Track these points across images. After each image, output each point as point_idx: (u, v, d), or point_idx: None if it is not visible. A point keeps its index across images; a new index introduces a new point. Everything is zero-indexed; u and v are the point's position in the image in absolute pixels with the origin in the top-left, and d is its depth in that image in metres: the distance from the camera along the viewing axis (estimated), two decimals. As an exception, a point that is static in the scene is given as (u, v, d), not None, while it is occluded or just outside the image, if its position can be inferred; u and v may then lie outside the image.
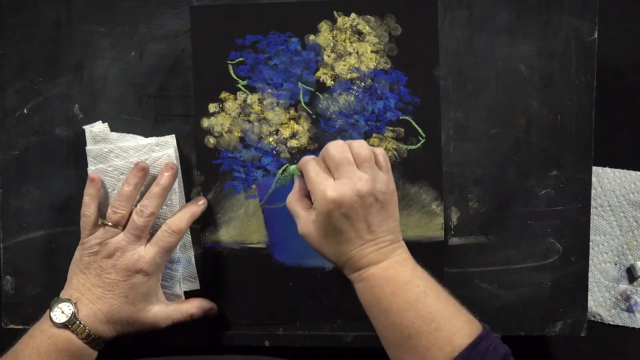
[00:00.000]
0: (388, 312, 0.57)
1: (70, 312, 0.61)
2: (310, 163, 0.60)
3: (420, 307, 0.56)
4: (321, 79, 0.68)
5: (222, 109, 0.69)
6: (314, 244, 0.60)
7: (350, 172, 0.58)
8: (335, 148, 0.59)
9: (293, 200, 0.62)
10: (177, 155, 0.69)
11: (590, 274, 0.71)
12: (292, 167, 0.64)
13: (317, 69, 0.68)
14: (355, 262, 0.58)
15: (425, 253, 0.68)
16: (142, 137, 0.69)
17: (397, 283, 0.57)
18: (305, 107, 0.69)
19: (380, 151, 0.60)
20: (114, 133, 0.68)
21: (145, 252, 0.64)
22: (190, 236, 0.70)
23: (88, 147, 0.68)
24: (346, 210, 0.57)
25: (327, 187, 0.57)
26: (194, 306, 0.67)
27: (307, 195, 0.62)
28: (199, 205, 0.68)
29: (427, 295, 0.56)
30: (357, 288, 0.59)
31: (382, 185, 0.58)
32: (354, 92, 0.68)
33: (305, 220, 0.60)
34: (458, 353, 0.54)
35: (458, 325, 0.55)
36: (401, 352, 0.57)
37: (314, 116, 0.69)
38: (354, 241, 0.58)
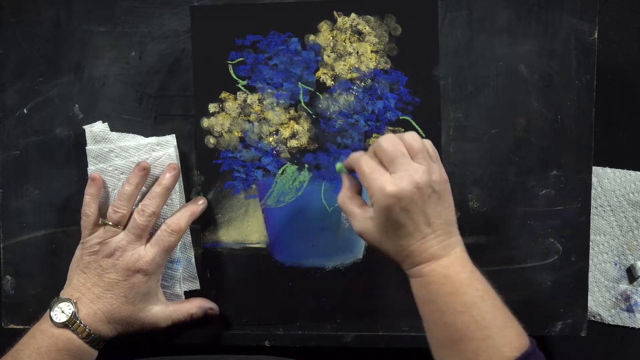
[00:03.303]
0: (443, 312, 0.56)
1: (71, 311, 0.61)
2: (363, 159, 0.58)
3: (476, 312, 0.55)
4: (321, 79, 0.68)
5: (222, 109, 0.69)
6: (373, 240, 0.58)
7: (406, 164, 0.56)
8: (389, 141, 0.57)
9: (346, 199, 0.60)
10: (178, 154, 0.69)
11: (590, 274, 0.71)
12: (339, 164, 0.63)
13: (317, 69, 0.68)
14: (416, 256, 0.57)
15: (425, 253, 0.68)
16: (143, 137, 0.69)
17: (457, 284, 0.56)
18: (305, 107, 0.69)
19: (429, 142, 0.59)
20: (114, 133, 0.68)
21: (146, 252, 0.64)
22: (190, 236, 0.70)
23: (88, 147, 0.68)
24: (406, 203, 0.55)
25: (385, 182, 0.56)
26: (194, 306, 0.67)
27: (358, 193, 0.61)
28: (199, 204, 0.68)
29: (484, 300, 0.55)
30: (414, 282, 0.58)
31: (437, 175, 0.57)
32: (354, 92, 0.68)
33: (363, 218, 0.58)
34: None
35: (509, 336, 0.55)
36: (448, 353, 0.56)
37: (314, 116, 0.69)
38: (414, 235, 0.56)
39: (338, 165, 0.63)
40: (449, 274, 0.56)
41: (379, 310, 0.69)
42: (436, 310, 0.56)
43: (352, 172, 0.61)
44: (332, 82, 0.68)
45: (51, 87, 0.70)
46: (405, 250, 0.57)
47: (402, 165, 0.56)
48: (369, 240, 0.59)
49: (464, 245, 0.59)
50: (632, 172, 0.72)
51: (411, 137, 0.58)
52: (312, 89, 0.68)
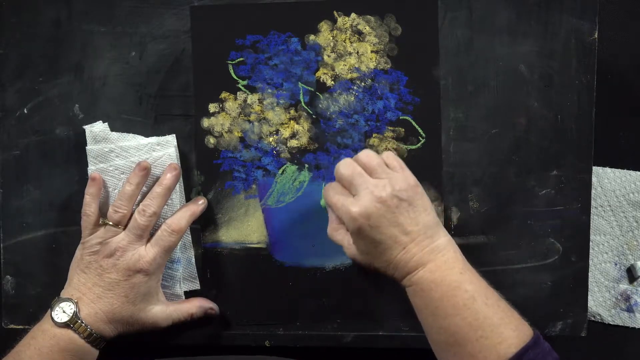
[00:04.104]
0: (435, 316, 0.57)
1: (72, 311, 0.61)
2: (328, 191, 0.61)
3: (468, 313, 0.55)
4: (321, 79, 0.68)
5: (222, 109, 0.69)
6: (364, 263, 0.60)
7: (364, 183, 0.58)
8: (344, 166, 0.59)
9: (332, 231, 0.62)
10: (178, 154, 0.69)
11: (590, 274, 0.71)
12: (322, 201, 0.65)
13: (317, 69, 0.68)
14: (402, 267, 0.58)
15: (425, 253, 0.68)
16: (143, 137, 0.69)
17: (445, 287, 0.56)
18: (305, 107, 0.69)
19: (387, 154, 0.60)
20: (114, 133, 0.68)
21: (146, 252, 0.64)
22: (190, 236, 0.70)
23: (88, 147, 0.68)
24: (374, 220, 0.57)
25: (349, 205, 0.57)
26: (194, 306, 0.68)
27: (343, 223, 0.62)
28: (199, 204, 0.68)
29: (474, 300, 0.56)
30: (408, 291, 0.59)
31: (401, 184, 0.58)
32: (354, 92, 0.68)
33: (348, 246, 0.60)
34: None
35: (505, 333, 0.55)
36: (447, 357, 0.57)
37: (314, 116, 0.69)
38: (394, 247, 0.57)
39: (322, 202, 0.65)
40: (436, 279, 0.57)
41: (379, 310, 0.69)
42: (429, 315, 0.57)
43: None
44: (332, 82, 0.68)
45: (51, 87, 0.70)
46: (391, 263, 0.58)
47: (361, 185, 0.58)
48: (361, 263, 0.60)
49: (455, 245, 0.59)
50: (632, 172, 0.72)
51: (365, 155, 0.60)
52: (312, 89, 0.68)
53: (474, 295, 0.56)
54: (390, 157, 0.60)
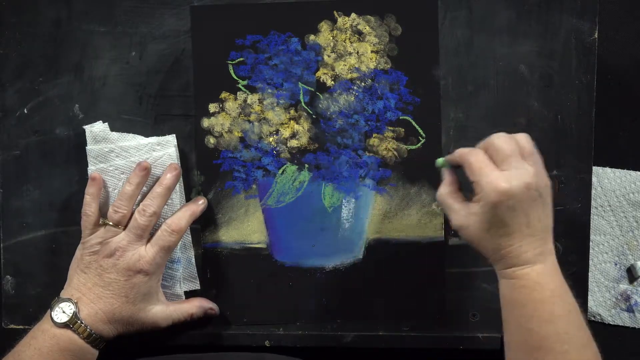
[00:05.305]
0: (529, 317, 0.56)
1: (72, 311, 0.61)
2: (473, 154, 0.58)
3: (562, 325, 0.55)
4: (321, 79, 0.68)
5: (222, 109, 0.69)
6: (472, 236, 0.58)
7: (519, 164, 0.56)
8: (505, 141, 0.57)
9: (445, 194, 0.61)
10: (178, 154, 0.69)
11: (590, 274, 0.71)
12: (440, 160, 0.63)
13: (317, 69, 0.68)
14: (512, 258, 0.57)
15: (425, 253, 0.68)
16: (143, 137, 0.69)
17: (548, 293, 0.56)
18: (305, 107, 0.69)
19: (527, 144, 0.59)
20: (114, 133, 0.68)
21: (146, 252, 0.64)
22: (190, 236, 0.70)
23: (88, 147, 0.68)
24: (514, 202, 0.55)
25: (498, 178, 0.56)
26: (194, 306, 0.68)
27: (459, 189, 0.61)
28: (199, 204, 0.68)
29: (570, 314, 0.56)
30: (505, 284, 0.58)
31: (544, 180, 0.57)
32: (354, 92, 0.68)
33: (465, 214, 0.58)
34: None
35: (587, 356, 0.55)
36: (522, 358, 0.56)
37: (314, 116, 0.69)
38: (514, 235, 0.56)
39: (440, 161, 0.63)
40: (542, 282, 0.56)
41: (379, 310, 0.69)
42: (522, 315, 0.56)
43: (454, 168, 0.61)
44: (332, 82, 0.68)
45: (51, 87, 0.70)
46: (502, 249, 0.57)
47: (515, 164, 0.56)
48: (467, 236, 0.59)
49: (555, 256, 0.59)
50: (632, 172, 0.72)
51: (524, 138, 0.58)
52: (312, 89, 0.68)
53: (572, 310, 0.56)
54: (538, 151, 0.59)
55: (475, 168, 0.57)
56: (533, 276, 0.56)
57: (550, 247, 0.58)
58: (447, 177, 0.62)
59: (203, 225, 0.70)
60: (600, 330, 0.73)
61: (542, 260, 0.57)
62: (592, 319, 0.73)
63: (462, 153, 0.59)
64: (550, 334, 0.55)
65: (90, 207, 0.64)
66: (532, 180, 0.56)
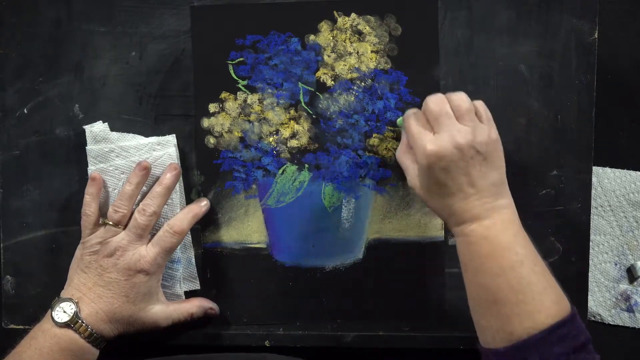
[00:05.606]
0: (479, 273, 0.57)
1: (72, 311, 0.61)
2: (411, 117, 0.60)
3: (512, 276, 0.55)
4: (321, 79, 0.68)
5: (222, 109, 0.69)
6: (421, 196, 0.61)
7: (449, 125, 0.57)
8: (435, 101, 0.58)
9: (402, 153, 0.63)
10: (178, 154, 0.69)
11: (590, 274, 0.71)
12: (399, 119, 0.65)
13: (317, 69, 0.68)
14: (458, 215, 0.58)
15: (425, 253, 0.68)
16: (143, 137, 0.69)
17: (495, 246, 0.56)
18: (305, 107, 0.69)
19: (479, 103, 0.60)
20: (114, 133, 0.68)
21: (147, 252, 0.64)
22: (190, 236, 0.70)
23: (88, 147, 0.68)
24: (446, 163, 0.56)
25: (427, 141, 0.57)
26: (194, 306, 0.68)
27: None
28: (202, 206, 0.68)
29: (522, 265, 0.56)
30: (457, 241, 0.59)
31: (483, 136, 0.57)
32: (354, 92, 0.68)
33: (413, 174, 0.61)
34: (538, 331, 0.53)
35: (545, 303, 0.55)
36: (483, 315, 0.57)
37: (314, 116, 0.69)
38: (457, 195, 0.57)
39: (399, 120, 0.65)
40: (489, 236, 0.57)
41: (379, 310, 0.69)
42: (474, 271, 0.57)
43: None
44: (332, 82, 0.68)
45: (51, 87, 0.70)
46: (448, 208, 0.58)
47: (445, 126, 0.57)
48: (418, 195, 0.61)
49: (515, 209, 0.59)
50: (632, 172, 0.72)
51: (458, 97, 0.58)
52: (312, 89, 0.68)
53: (523, 260, 0.56)
54: (481, 106, 0.60)
55: (410, 132, 0.59)
56: (479, 231, 0.57)
57: (503, 201, 0.58)
58: (403, 137, 0.64)
59: (203, 225, 0.70)
60: (600, 330, 0.73)
61: (490, 215, 0.57)
62: (592, 319, 0.73)
63: (406, 116, 0.61)
64: (502, 286, 0.55)
65: (90, 207, 0.64)
66: (465, 139, 0.56)
